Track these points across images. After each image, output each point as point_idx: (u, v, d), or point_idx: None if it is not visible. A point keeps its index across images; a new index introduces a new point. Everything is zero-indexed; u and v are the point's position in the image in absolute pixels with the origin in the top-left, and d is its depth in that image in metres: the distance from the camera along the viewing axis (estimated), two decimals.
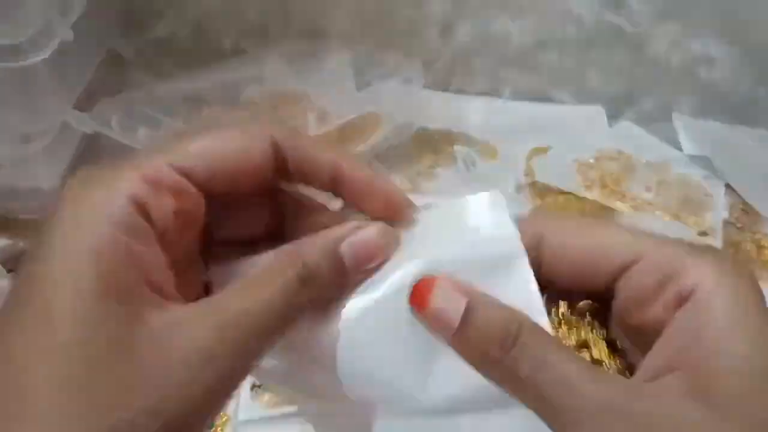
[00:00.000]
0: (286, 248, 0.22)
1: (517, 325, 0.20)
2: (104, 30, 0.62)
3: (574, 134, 0.69)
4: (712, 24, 0.67)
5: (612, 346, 0.23)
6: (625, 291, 0.22)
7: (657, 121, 0.72)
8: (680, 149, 0.67)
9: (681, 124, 0.69)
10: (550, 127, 0.70)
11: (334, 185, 0.23)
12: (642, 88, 0.72)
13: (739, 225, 0.60)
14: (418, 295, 0.21)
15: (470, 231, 0.23)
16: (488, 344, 0.20)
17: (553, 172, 0.62)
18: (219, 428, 0.42)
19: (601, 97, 0.73)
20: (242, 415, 0.43)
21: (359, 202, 0.23)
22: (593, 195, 0.59)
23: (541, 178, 0.62)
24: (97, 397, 0.17)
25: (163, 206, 0.19)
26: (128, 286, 0.18)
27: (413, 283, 0.21)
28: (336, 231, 0.22)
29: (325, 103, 0.56)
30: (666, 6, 0.67)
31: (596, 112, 0.72)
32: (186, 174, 0.20)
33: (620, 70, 0.71)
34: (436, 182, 0.61)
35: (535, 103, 0.74)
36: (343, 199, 0.24)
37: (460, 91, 0.74)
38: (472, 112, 0.72)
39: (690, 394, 0.19)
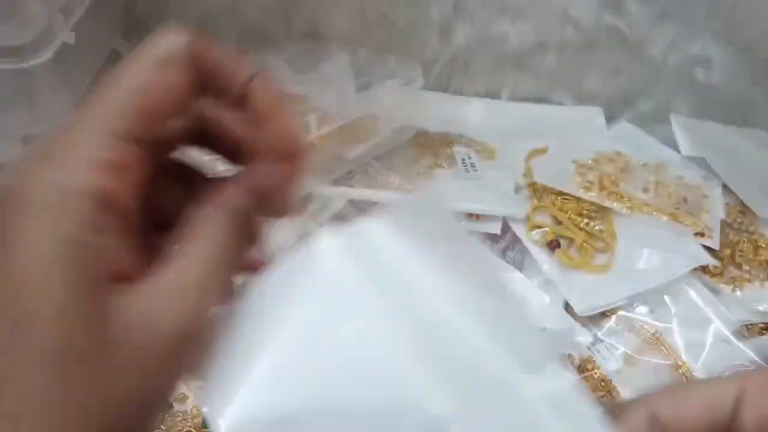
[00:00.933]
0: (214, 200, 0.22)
1: None
2: (106, 31, 0.62)
3: (573, 135, 0.69)
4: (710, 26, 0.68)
5: None
6: None
7: (655, 122, 0.72)
8: (678, 150, 0.68)
9: (679, 125, 0.70)
10: (549, 128, 0.70)
11: (241, 103, 0.22)
12: (640, 89, 0.73)
13: (736, 226, 0.60)
14: None
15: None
16: None
17: (552, 173, 0.62)
18: None
19: (600, 99, 0.73)
20: None
21: (256, 131, 0.22)
22: (591, 196, 0.60)
23: (540, 178, 0.62)
24: (80, 393, 0.17)
25: (122, 187, 0.19)
26: (95, 283, 0.18)
27: None
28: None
29: (326, 105, 0.56)
30: (664, 8, 0.67)
31: (594, 114, 0.73)
32: (129, 137, 0.19)
33: (618, 71, 0.72)
34: (436, 183, 0.61)
35: (533, 104, 0.74)
36: (244, 118, 0.23)
37: (459, 93, 0.74)
38: (472, 114, 0.72)
39: None
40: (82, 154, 0.19)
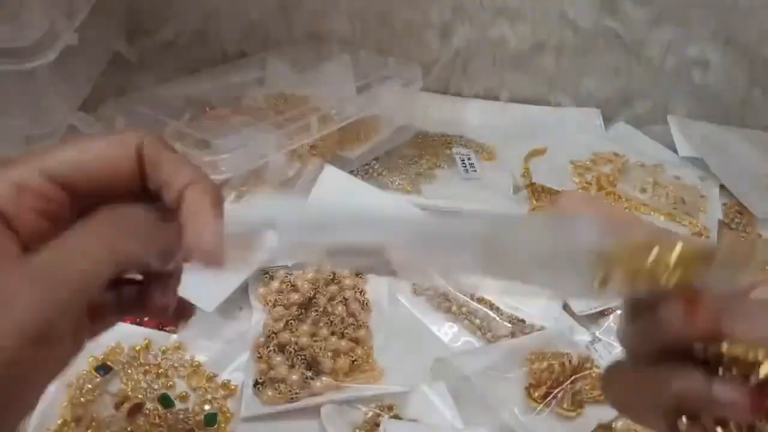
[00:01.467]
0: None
1: None
2: (109, 33, 0.62)
3: (571, 136, 0.70)
4: (707, 27, 0.68)
5: None
6: None
7: (652, 123, 0.73)
8: (675, 151, 0.68)
9: (676, 126, 0.70)
10: (547, 129, 0.71)
11: (176, 206, 0.24)
12: (637, 90, 0.73)
13: (733, 226, 0.60)
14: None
15: None
16: None
17: (550, 174, 0.63)
18: (222, 425, 0.43)
19: (598, 100, 0.74)
20: (245, 411, 0.43)
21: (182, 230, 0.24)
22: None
23: (538, 179, 0.62)
24: None
25: (27, 207, 0.22)
26: None
27: None
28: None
29: (326, 106, 0.56)
30: (661, 10, 0.68)
31: (592, 115, 0.73)
32: (55, 180, 0.23)
33: (616, 73, 0.72)
34: (436, 183, 0.61)
35: (532, 105, 0.74)
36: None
37: (458, 94, 0.75)
38: (471, 115, 0.73)
39: None
40: (9, 174, 0.22)
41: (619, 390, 0.25)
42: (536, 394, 0.43)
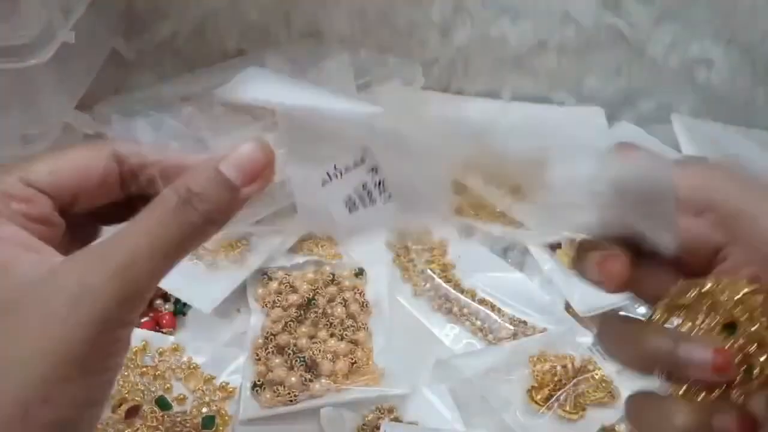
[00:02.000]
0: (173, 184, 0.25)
1: None
2: (106, 31, 0.62)
3: (574, 135, 0.69)
4: (711, 26, 0.68)
5: None
6: None
7: (656, 122, 0.72)
8: (679, 150, 0.68)
9: (680, 124, 0.70)
10: (550, 128, 0.70)
11: (166, 179, 0.26)
12: (641, 89, 0.73)
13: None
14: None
15: None
16: None
17: None
18: (220, 427, 0.43)
19: (600, 99, 0.73)
20: (243, 414, 0.43)
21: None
22: None
23: None
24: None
25: (11, 211, 0.24)
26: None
27: None
28: (214, 156, 0.26)
29: None
30: (664, 8, 0.67)
31: (595, 114, 0.73)
32: (33, 186, 0.25)
33: (619, 71, 0.72)
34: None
35: (534, 104, 0.74)
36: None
37: (459, 93, 0.74)
38: (472, 113, 0.72)
39: None
40: None
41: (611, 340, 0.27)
42: (538, 397, 0.43)
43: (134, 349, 0.45)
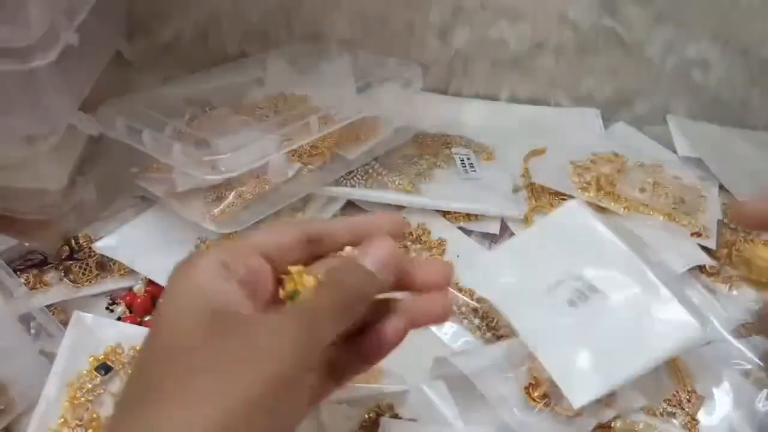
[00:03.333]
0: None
1: None
2: (109, 33, 0.62)
3: (571, 136, 0.70)
4: (707, 28, 0.68)
5: None
6: None
7: (652, 123, 0.73)
8: (675, 151, 0.68)
9: (676, 126, 0.70)
10: (547, 130, 0.71)
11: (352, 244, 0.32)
12: (637, 90, 0.73)
13: (733, 226, 0.61)
14: None
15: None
16: None
17: (550, 174, 0.63)
18: None
19: (597, 100, 0.74)
20: None
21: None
22: (588, 196, 0.60)
23: (538, 179, 0.63)
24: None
25: (241, 266, 0.29)
26: (228, 312, 0.27)
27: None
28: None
29: (326, 106, 0.57)
30: (661, 10, 0.68)
31: (592, 115, 0.73)
32: (257, 251, 0.30)
33: (616, 73, 0.72)
34: (435, 183, 0.61)
35: (532, 105, 0.75)
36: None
37: (458, 94, 0.75)
38: (471, 115, 0.73)
39: None
40: (224, 248, 0.30)
41: None
42: (536, 394, 0.43)
43: (137, 348, 0.46)
